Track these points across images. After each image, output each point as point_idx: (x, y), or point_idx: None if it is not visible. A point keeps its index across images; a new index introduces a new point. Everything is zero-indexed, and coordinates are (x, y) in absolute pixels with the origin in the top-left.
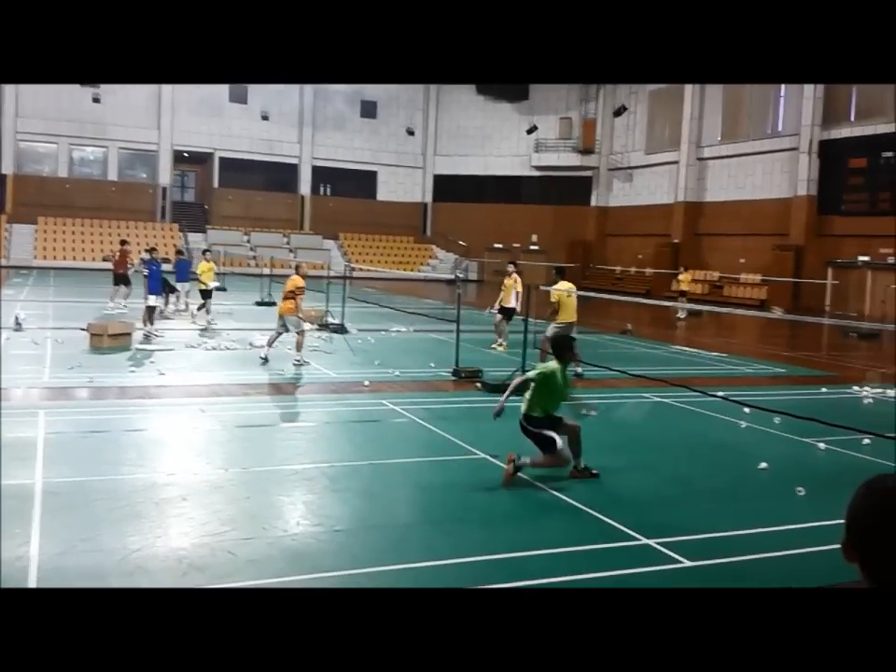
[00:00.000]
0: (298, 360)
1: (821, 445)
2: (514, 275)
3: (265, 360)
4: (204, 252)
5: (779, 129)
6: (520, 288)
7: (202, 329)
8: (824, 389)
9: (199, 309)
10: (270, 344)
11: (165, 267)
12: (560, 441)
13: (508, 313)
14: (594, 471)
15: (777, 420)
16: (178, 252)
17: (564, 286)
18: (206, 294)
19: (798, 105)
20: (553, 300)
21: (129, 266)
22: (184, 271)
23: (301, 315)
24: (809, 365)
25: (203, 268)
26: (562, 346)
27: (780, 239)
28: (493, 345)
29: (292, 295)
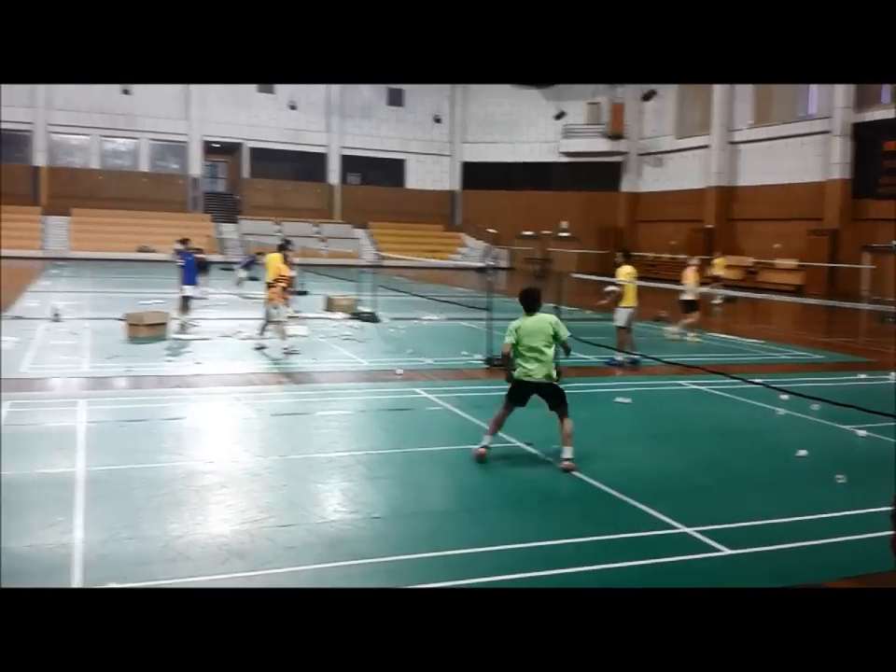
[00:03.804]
0: (286, 349)
1: (861, 432)
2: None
3: (262, 347)
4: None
5: (811, 112)
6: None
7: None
8: (863, 376)
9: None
10: (261, 332)
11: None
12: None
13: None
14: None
15: (815, 407)
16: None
17: (628, 269)
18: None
19: (829, 88)
20: (620, 284)
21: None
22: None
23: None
24: (847, 351)
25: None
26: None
27: (815, 223)
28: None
29: (276, 283)
